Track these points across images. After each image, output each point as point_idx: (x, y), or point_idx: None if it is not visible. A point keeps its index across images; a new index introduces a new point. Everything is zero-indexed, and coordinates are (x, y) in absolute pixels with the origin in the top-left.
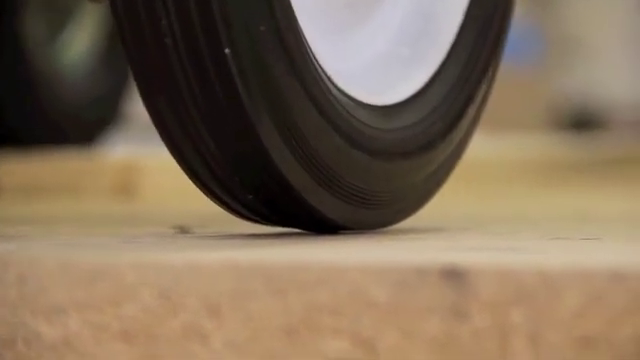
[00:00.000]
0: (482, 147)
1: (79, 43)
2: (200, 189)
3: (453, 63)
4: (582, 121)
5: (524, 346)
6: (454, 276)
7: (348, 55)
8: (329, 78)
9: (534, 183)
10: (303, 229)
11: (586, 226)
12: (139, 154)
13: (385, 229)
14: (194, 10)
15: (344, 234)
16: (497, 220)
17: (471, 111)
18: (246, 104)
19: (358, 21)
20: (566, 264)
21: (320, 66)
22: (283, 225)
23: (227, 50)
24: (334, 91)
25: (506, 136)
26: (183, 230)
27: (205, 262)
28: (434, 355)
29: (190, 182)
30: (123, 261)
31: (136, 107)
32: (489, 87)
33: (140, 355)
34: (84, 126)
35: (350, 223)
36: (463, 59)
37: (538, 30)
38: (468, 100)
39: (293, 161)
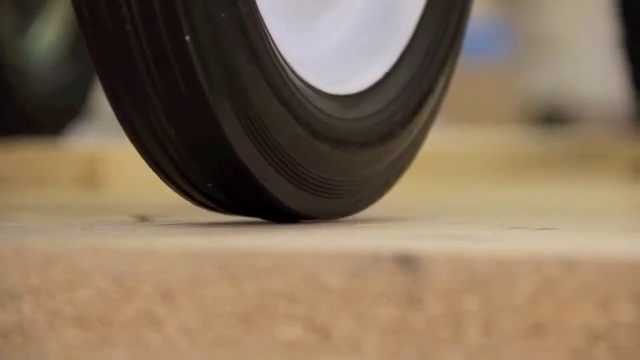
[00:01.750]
0: (451, 140)
1: (48, 35)
2: (160, 177)
3: (413, 53)
4: (551, 117)
5: (478, 333)
6: (408, 262)
7: (309, 44)
8: (290, 66)
9: (500, 176)
10: (263, 218)
11: (546, 217)
12: (105, 145)
13: (344, 218)
14: None
15: (302, 223)
16: (458, 210)
17: (431, 102)
18: (206, 92)
19: (320, 9)
20: (520, 252)
21: (281, 54)
22: (243, 214)
23: (187, 37)
24: (295, 80)
25: (475, 130)
26: (143, 219)
27: (160, 248)
28: (388, 341)
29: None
30: (77, 246)
31: (104, 99)
32: (449, 78)
33: (94, 340)
34: (52, 117)
35: (310, 212)
36: (423, 49)
37: (510, 26)
38: (428, 91)
39: (253, 149)
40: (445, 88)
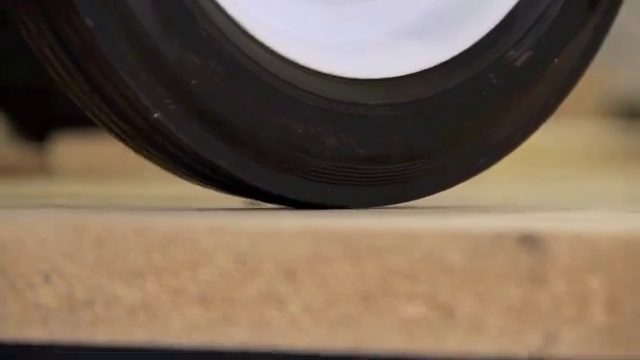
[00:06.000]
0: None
1: None
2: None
3: None
4: (635, 111)
5: (603, 312)
6: (531, 242)
7: None
8: None
9: (586, 167)
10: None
11: None
12: None
13: (458, 204)
14: None
15: (421, 205)
16: (566, 197)
17: None
18: None
19: None
20: None
21: None
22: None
23: None
24: None
25: (561, 123)
26: (255, 205)
27: (282, 227)
28: (511, 321)
29: None
30: (200, 226)
31: None
32: None
33: (216, 319)
34: None
35: None
36: None
37: None
38: None
39: None
40: None
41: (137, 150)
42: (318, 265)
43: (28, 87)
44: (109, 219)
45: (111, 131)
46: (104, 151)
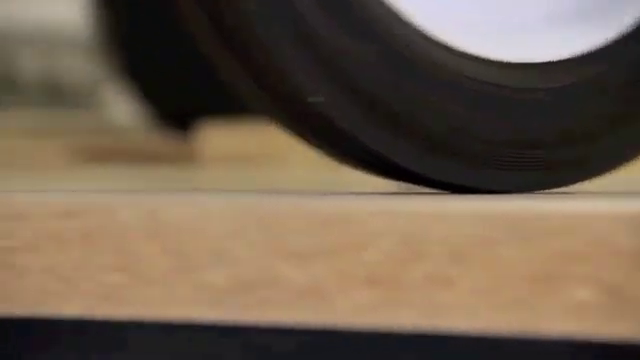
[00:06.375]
0: None
1: None
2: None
3: None
4: None
5: None
6: None
7: None
8: None
9: None
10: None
11: None
12: None
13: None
14: None
15: (587, 187)
16: None
17: None
18: None
19: None
20: None
21: None
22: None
23: None
24: None
25: None
26: (408, 189)
27: (450, 209)
28: None
29: None
30: (367, 207)
31: None
32: None
33: (384, 300)
34: None
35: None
36: None
37: None
38: None
39: None
40: None
41: (297, 135)
42: (486, 247)
43: (171, 74)
44: (277, 202)
45: (266, 114)
46: (249, 138)
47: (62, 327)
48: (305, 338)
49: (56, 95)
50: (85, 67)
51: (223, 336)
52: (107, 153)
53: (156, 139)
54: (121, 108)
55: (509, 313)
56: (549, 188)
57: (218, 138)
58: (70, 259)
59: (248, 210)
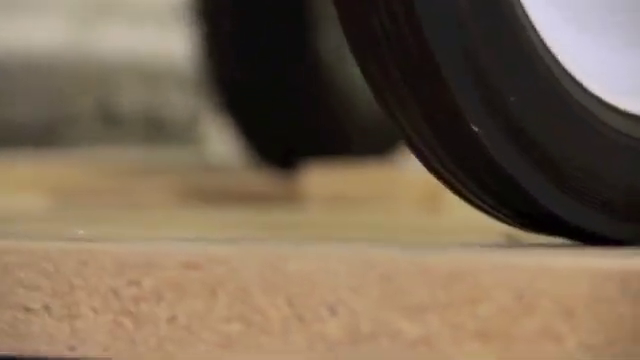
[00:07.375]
0: None
1: None
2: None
3: None
4: None
5: None
6: None
7: None
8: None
9: None
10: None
11: None
12: None
13: None
14: None
15: None
16: None
17: None
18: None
19: None
20: None
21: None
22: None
23: None
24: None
25: None
26: (512, 238)
27: (559, 265)
28: None
29: None
30: (480, 263)
31: None
32: None
33: (496, 354)
34: (376, 138)
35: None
36: None
37: None
38: None
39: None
40: None
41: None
42: (596, 303)
43: (274, 115)
44: (394, 255)
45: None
46: (354, 178)
47: None
48: None
49: (156, 130)
50: (187, 102)
51: None
52: (211, 193)
53: (259, 179)
54: (221, 145)
55: None
56: None
57: (322, 178)
58: (191, 308)
59: (368, 262)
